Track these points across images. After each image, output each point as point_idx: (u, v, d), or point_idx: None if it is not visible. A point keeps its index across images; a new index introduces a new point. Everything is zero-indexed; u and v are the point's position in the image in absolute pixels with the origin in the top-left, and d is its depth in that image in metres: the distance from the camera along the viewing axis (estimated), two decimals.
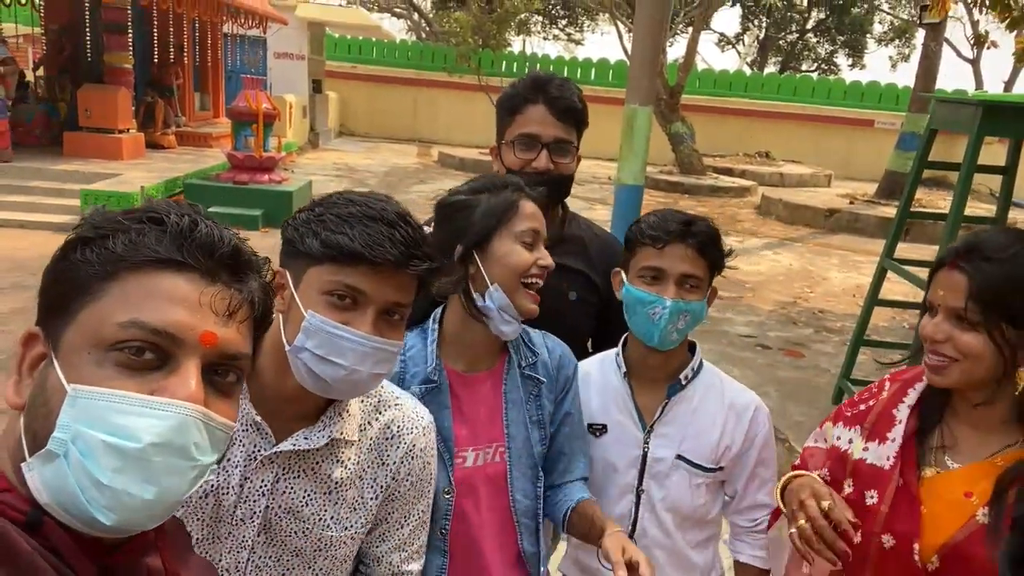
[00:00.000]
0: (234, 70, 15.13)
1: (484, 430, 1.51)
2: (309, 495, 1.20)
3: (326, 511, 1.22)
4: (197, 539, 1.15)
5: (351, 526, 1.24)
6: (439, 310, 1.55)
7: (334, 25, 19.16)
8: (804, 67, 28.84)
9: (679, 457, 1.66)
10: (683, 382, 1.68)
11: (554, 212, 1.95)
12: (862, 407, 1.50)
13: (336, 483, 1.22)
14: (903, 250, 5.08)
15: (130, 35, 10.50)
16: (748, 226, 12.26)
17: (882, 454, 1.39)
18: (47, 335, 0.74)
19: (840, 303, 8.01)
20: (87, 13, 9.65)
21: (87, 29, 9.82)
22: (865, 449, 1.42)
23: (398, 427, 1.30)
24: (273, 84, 15.83)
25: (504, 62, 20.68)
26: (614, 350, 1.75)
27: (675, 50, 31.27)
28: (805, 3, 27.23)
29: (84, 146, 10.04)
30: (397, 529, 1.32)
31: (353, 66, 20.78)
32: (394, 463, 1.29)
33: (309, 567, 1.23)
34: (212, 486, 1.14)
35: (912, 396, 1.42)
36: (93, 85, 10.45)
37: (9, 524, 0.66)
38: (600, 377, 1.74)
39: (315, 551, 1.22)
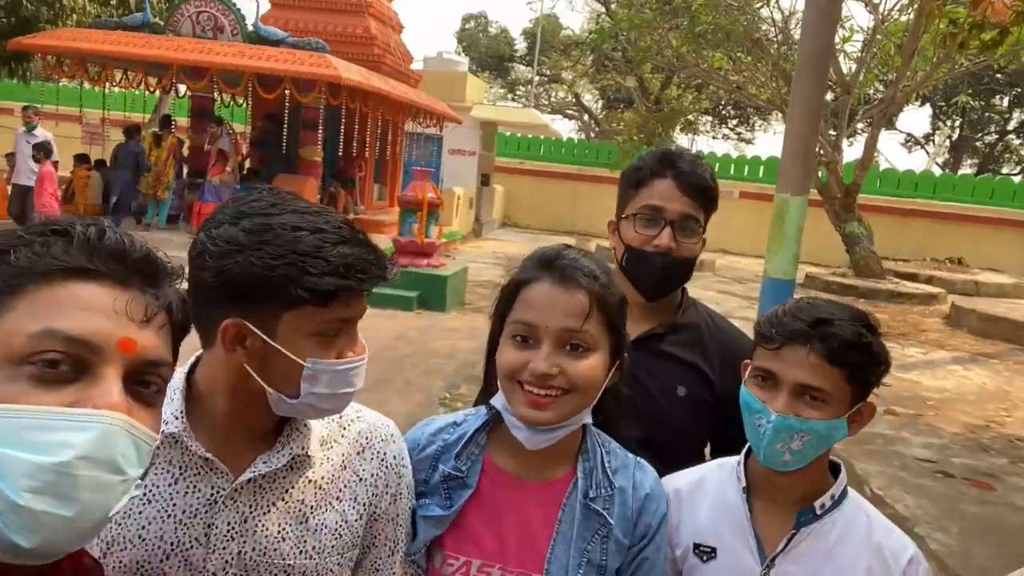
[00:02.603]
0: (411, 163, 16.28)
1: (517, 552, 1.25)
2: (284, 529, 1.11)
3: (305, 542, 1.12)
4: None
5: (338, 552, 1.16)
6: None
7: (505, 124, 20.25)
8: (1005, 169, 26.48)
9: None
10: (818, 511, 1.38)
11: (672, 297, 1.77)
12: None
13: (311, 508, 1.14)
14: None
15: (320, 132, 11.60)
16: (934, 337, 11.06)
17: None
18: None
19: None
20: (287, 113, 10.84)
21: (285, 126, 10.99)
22: None
23: (367, 438, 1.23)
24: (445, 177, 16.85)
25: None
26: (736, 458, 1.49)
27: (854, 150, 29.94)
28: (1005, 104, 25.25)
29: None
30: (388, 557, 1.23)
31: (521, 161, 21.70)
32: (371, 476, 1.21)
33: None
34: (172, 545, 1.05)
35: None
36: (286, 174, 11.62)
37: None
38: (716, 489, 1.47)
39: None
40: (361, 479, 1.20)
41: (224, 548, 1.07)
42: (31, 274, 0.69)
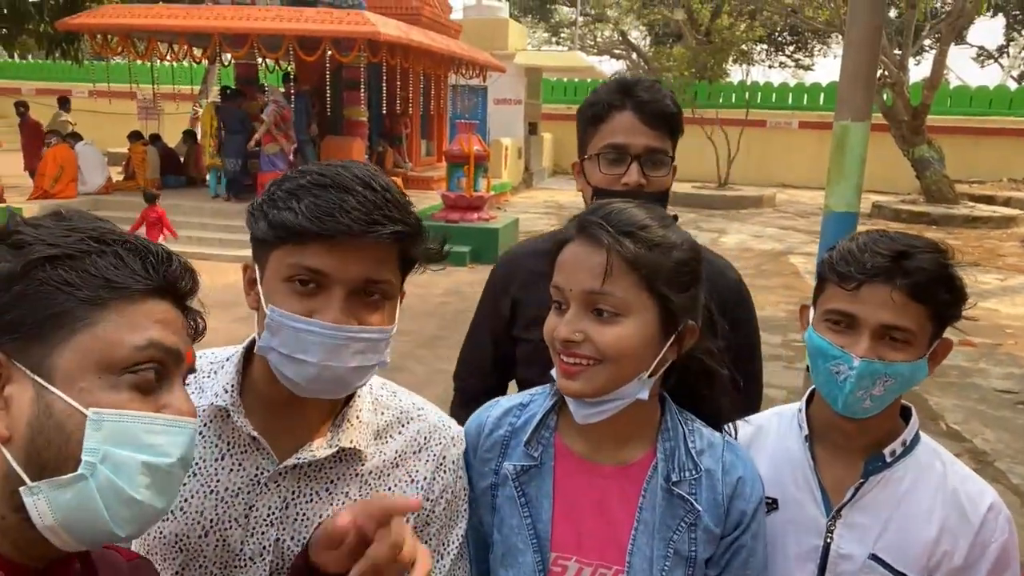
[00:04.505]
0: (456, 117, 16.10)
1: (596, 543, 1.14)
2: (324, 520, 1.05)
3: None
4: None
5: None
6: None
7: (550, 70, 19.78)
8: None
9: (874, 558, 1.25)
10: (888, 458, 1.27)
11: None
12: None
13: (355, 502, 1.06)
14: None
15: (364, 91, 11.53)
16: (1012, 261, 10.52)
17: None
18: (12, 360, 0.73)
19: None
20: (328, 76, 10.80)
21: (328, 88, 10.95)
22: None
23: (424, 438, 1.15)
24: (492, 128, 16.62)
25: (721, 93, 19.97)
26: (795, 405, 1.39)
27: (922, 68, 28.24)
28: None
29: None
30: (436, 561, 1.14)
31: (568, 107, 21.23)
32: (424, 479, 1.12)
33: None
34: (211, 522, 1.02)
35: None
36: (334, 136, 11.68)
37: None
38: (775, 439, 1.38)
39: None
40: (413, 480, 1.12)
41: (263, 533, 1.03)
42: (120, 289, 0.76)
